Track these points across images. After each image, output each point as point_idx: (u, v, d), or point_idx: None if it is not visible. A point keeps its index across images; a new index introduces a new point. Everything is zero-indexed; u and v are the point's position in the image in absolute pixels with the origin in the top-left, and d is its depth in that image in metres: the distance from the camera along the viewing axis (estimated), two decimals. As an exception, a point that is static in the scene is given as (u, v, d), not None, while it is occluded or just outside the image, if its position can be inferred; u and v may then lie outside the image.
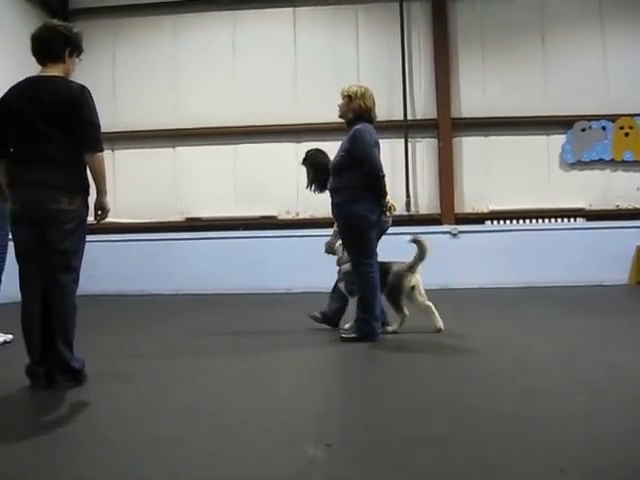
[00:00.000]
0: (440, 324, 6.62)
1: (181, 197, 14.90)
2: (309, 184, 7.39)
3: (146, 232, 14.34)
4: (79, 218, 4.40)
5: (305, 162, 7.45)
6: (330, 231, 7.23)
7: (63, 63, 4.53)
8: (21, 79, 4.52)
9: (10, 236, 4.86)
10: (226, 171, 14.83)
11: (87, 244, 4.56)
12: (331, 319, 7.19)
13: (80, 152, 4.38)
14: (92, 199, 4.49)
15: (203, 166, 14.87)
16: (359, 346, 5.90)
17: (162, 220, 14.60)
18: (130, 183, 14.51)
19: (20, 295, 4.42)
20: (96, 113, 4.40)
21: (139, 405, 3.89)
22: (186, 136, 15.03)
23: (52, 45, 4.48)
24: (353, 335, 6.15)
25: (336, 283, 7.14)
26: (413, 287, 6.67)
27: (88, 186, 4.46)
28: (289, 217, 14.55)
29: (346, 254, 6.66)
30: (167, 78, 15.20)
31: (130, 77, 15.29)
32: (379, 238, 6.67)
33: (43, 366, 4.29)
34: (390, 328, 6.69)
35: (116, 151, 14.85)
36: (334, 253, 7.07)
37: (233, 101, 14.79)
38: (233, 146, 14.91)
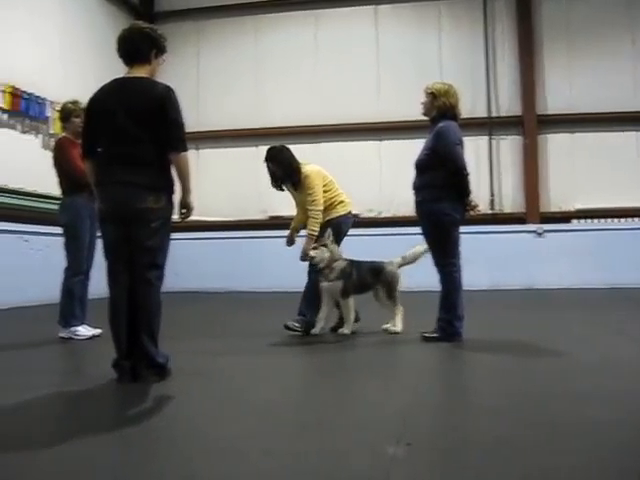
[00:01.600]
0: (398, 329, 6.68)
1: (264, 195, 14.98)
2: (276, 182, 7.32)
3: (229, 230, 14.51)
4: (164, 216, 4.48)
5: (272, 160, 7.25)
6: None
7: (149, 64, 4.62)
8: (108, 80, 4.64)
9: (98, 234, 5.00)
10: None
11: (172, 242, 4.65)
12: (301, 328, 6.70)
13: (166, 152, 4.46)
14: (177, 198, 4.59)
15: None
16: (441, 346, 5.85)
17: (245, 218, 14.76)
18: (214, 182, 14.71)
19: (108, 291, 4.55)
20: (181, 113, 4.47)
21: (221, 401, 3.95)
22: (268, 135, 15.10)
23: (139, 47, 4.58)
24: (435, 335, 6.10)
25: (311, 286, 6.85)
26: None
27: (173, 185, 4.54)
28: (371, 215, 14.51)
29: (334, 251, 6.69)
30: (249, 78, 15.39)
31: (213, 78, 15.54)
32: (341, 240, 6.93)
33: (129, 360, 4.39)
34: (397, 329, 6.68)
35: (200, 150, 15.09)
36: (308, 259, 6.77)
37: (315, 100, 14.86)
38: (315, 145, 14.94)
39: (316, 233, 6.79)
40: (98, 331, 6.55)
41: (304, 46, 15.19)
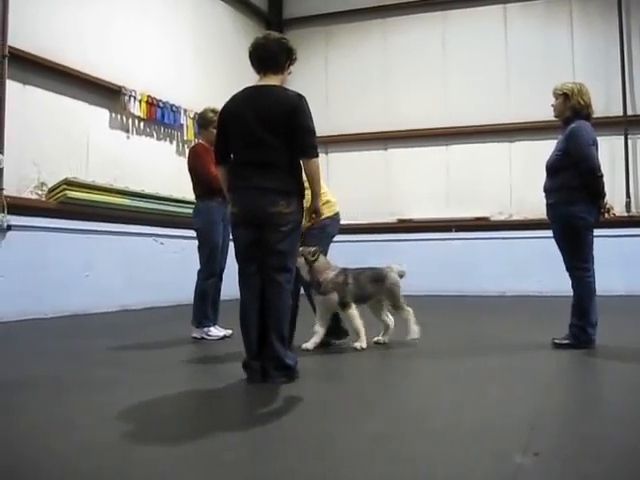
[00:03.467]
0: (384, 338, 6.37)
1: (393, 198, 15.01)
2: None
3: (359, 233, 14.54)
4: (295, 221, 4.54)
5: None
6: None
7: (282, 74, 4.71)
8: (238, 88, 4.75)
9: (230, 237, 5.13)
10: (437, 172, 14.78)
11: (303, 246, 4.71)
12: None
13: (297, 157, 4.54)
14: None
15: (414, 167, 14.89)
16: (573, 353, 5.67)
17: (374, 221, 14.77)
18: (343, 185, 14.75)
19: (239, 293, 4.65)
20: (312, 120, 4.53)
21: (349, 402, 3.96)
22: (397, 138, 15.14)
23: (277, 57, 4.66)
24: (567, 341, 5.92)
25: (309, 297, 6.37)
26: None
27: (303, 190, 4.61)
28: (502, 218, 14.23)
29: (321, 261, 6.01)
30: (377, 81, 15.40)
31: (341, 82, 15.64)
32: (327, 244, 6.40)
33: (259, 361, 4.47)
34: (414, 335, 6.32)
35: (329, 154, 15.22)
36: None
37: (444, 101, 14.73)
38: (445, 147, 14.84)
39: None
40: (229, 332, 6.72)
41: (432, 47, 15.07)
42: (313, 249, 5.95)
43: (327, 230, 6.35)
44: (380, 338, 6.36)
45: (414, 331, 6.33)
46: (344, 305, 5.99)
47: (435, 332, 7.55)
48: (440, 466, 2.73)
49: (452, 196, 14.57)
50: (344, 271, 6.14)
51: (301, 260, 5.80)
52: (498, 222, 14.09)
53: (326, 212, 5.99)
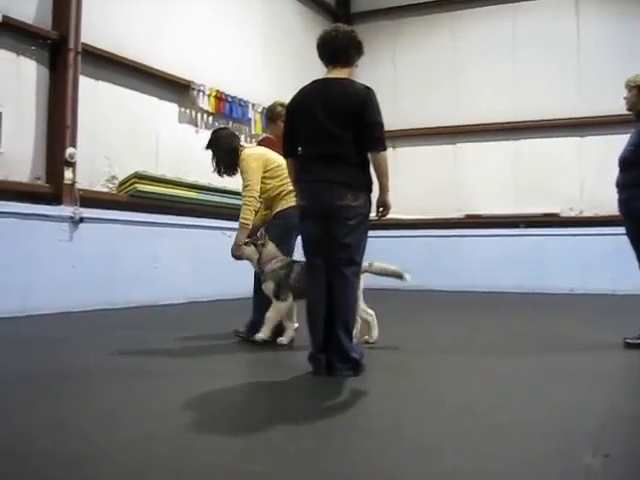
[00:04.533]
0: (375, 336, 5.90)
1: (461, 193, 14.86)
2: (215, 167, 6.33)
3: (426, 228, 14.46)
4: (362, 214, 4.51)
5: (210, 144, 6.32)
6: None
7: (350, 67, 4.70)
8: (305, 81, 4.76)
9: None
10: (506, 167, 14.58)
11: (369, 239, 4.69)
12: (246, 334, 6.14)
13: (365, 151, 4.52)
14: (374, 196, 4.62)
15: (483, 162, 14.72)
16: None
17: (442, 216, 14.65)
18: (410, 180, 14.71)
19: (306, 286, 4.66)
20: (380, 113, 4.51)
21: (415, 398, 3.94)
22: (466, 132, 14.98)
23: (348, 52, 4.65)
24: (639, 341, 5.77)
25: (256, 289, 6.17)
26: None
27: (371, 183, 4.59)
28: (572, 214, 13.93)
29: (269, 250, 5.84)
30: (446, 75, 15.27)
31: (409, 76, 15.56)
32: (291, 236, 6.07)
33: (325, 354, 4.47)
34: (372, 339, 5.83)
35: (397, 149, 15.15)
36: (245, 258, 6.00)
37: (514, 96, 14.50)
38: (514, 142, 14.63)
39: (247, 222, 5.94)
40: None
41: (501, 41, 14.85)
42: (260, 235, 5.93)
43: (289, 220, 5.93)
44: (367, 337, 5.88)
45: (373, 335, 5.89)
46: (277, 296, 5.81)
47: (502, 329, 7.49)
48: (508, 464, 2.69)
49: (520, 191, 14.34)
50: (292, 263, 5.87)
51: (250, 248, 5.86)
52: (568, 218, 13.80)
53: (290, 202, 5.89)
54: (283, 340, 5.85)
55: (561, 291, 12.81)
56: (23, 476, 2.49)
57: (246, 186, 5.97)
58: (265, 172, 6.05)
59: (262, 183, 6.03)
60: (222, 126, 6.29)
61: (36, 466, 2.59)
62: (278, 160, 6.05)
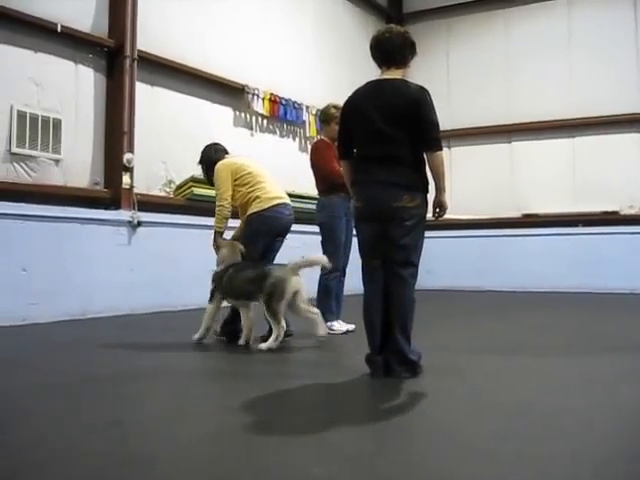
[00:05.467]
0: (322, 331, 5.95)
1: (517, 193, 14.69)
2: (208, 180, 6.80)
3: (483, 228, 14.33)
4: (419, 215, 4.49)
5: (199, 160, 6.78)
6: None
7: (404, 68, 4.69)
8: (358, 83, 4.76)
9: (354, 232, 5.13)
10: (564, 165, 14.35)
11: (426, 240, 4.67)
12: (221, 333, 6.37)
13: (420, 151, 4.50)
14: (430, 196, 4.60)
15: (539, 160, 14.51)
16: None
17: (499, 216, 14.48)
18: (466, 180, 14.61)
19: (363, 288, 4.65)
20: (435, 112, 4.48)
21: (473, 400, 3.90)
22: (521, 130, 14.81)
23: (403, 52, 4.65)
24: None
25: None
26: (295, 292, 5.73)
27: (427, 184, 4.56)
28: (632, 212, 13.64)
29: (222, 254, 6.17)
30: (500, 73, 15.11)
31: (463, 74, 15.44)
32: (255, 239, 6.22)
33: (382, 356, 4.46)
34: (264, 345, 5.65)
35: (452, 148, 15.06)
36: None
37: (570, 92, 14.25)
38: (571, 139, 14.39)
39: (219, 229, 6.29)
40: (352, 326, 6.73)
41: (556, 36, 14.58)
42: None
43: (253, 225, 6.25)
44: (271, 343, 5.68)
45: (270, 343, 5.70)
46: (210, 297, 6.10)
47: (562, 330, 7.39)
48: (568, 467, 2.64)
49: (579, 189, 14.09)
50: (232, 266, 6.05)
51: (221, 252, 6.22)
52: (628, 216, 13.52)
53: (254, 208, 6.22)
54: (262, 346, 5.68)
55: (622, 291, 12.56)
56: (86, 475, 2.53)
57: (216, 195, 6.35)
58: (235, 180, 6.32)
59: (234, 191, 6.31)
60: (212, 142, 6.65)
61: (98, 466, 2.63)
62: (249, 168, 6.39)
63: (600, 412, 3.57)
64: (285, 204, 6.38)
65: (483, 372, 4.79)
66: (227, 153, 6.67)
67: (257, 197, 6.26)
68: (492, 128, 14.97)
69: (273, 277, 5.68)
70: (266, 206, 6.24)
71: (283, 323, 5.67)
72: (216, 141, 6.86)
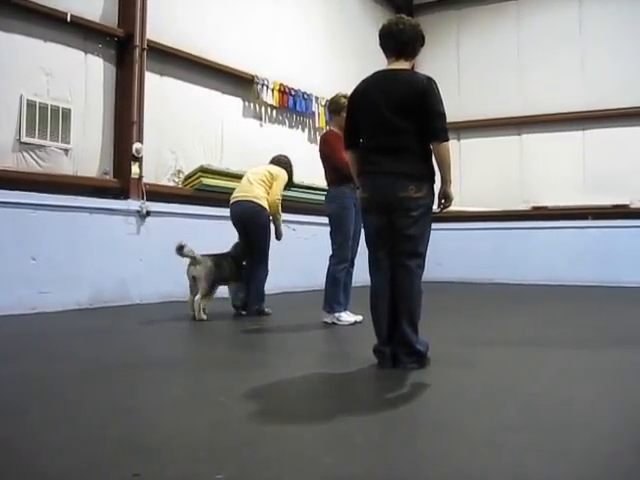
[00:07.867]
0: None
1: (527, 185, 14.64)
2: None
3: (492, 221, 14.30)
4: (425, 206, 4.47)
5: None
6: None
7: (412, 59, 4.69)
8: (367, 73, 4.73)
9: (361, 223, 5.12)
10: (574, 158, 14.29)
11: (435, 232, 4.66)
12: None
13: (427, 141, 4.48)
14: (436, 188, 4.58)
15: (550, 153, 14.46)
16: None
17: (508, 208, 14.44)
18: (475, 172, 14.57)
19: (370, 279, 4.65)
20: (442, 103, 4.45)
21: (480, 392, 3.89)
22: (532, 123, 14.75)
23: (414, 44, 4.64)
24: None
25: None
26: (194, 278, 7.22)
27: (434, 174, 4.54)
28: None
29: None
30: (511, 65, 15.05)
31: (474, 66, 15.39)
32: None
33: (389, 347, 4.46)
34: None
35: (462, 140, 15.02)
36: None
37: (582, 84, 14.17)
38: (582, 131, 14.32)
39: None
40: (360, 317, 6.73)
41: (568, 27, 14.51)
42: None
43: None
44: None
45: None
46: None
47: (572, 322, 7.38)
48: (580, 460, 2.64)
49: (589, 182, 14.04)
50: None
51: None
52: (638, 209, 13.45)
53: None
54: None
55: (633, 284, 12.51)
56: (99, 460, 2.54)
57: None
58: None
59: None
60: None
61: (110, 452, 2.64)
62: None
63: (611, 405, 3.56)
64: (237, 202, 7.93)
65: (492, 364, 4.78)
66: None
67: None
68: (502, 120, 14.92)
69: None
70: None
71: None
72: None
